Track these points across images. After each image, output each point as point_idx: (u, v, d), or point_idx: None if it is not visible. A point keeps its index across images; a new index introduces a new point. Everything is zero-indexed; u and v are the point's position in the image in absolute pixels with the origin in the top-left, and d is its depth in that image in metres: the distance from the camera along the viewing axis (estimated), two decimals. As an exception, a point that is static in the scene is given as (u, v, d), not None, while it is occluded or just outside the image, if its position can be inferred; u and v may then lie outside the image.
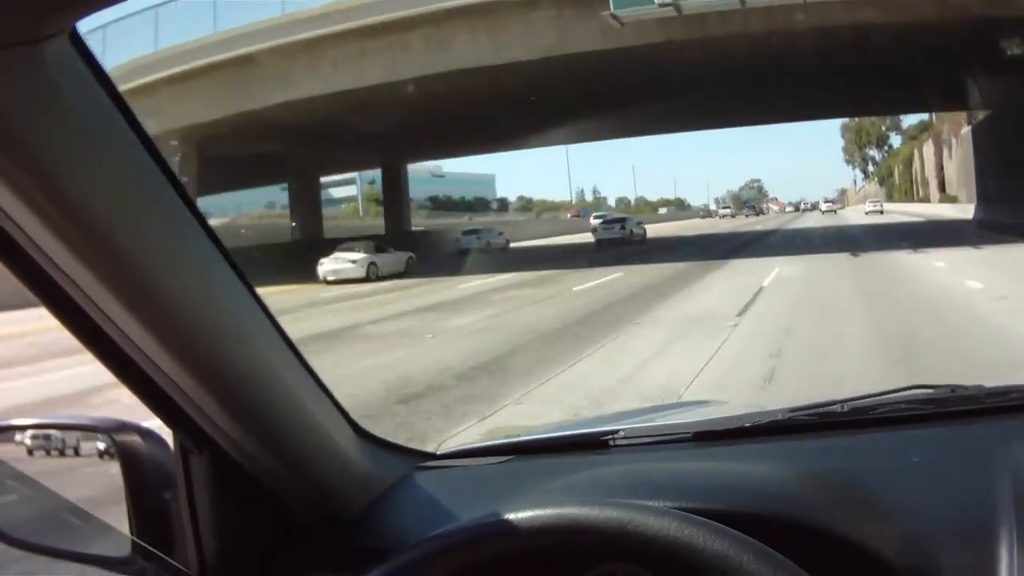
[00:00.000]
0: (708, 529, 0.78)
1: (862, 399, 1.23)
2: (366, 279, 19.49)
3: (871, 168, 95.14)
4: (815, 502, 0.97)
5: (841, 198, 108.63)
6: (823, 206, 75.42)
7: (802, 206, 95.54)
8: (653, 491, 0.94)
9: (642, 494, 0.92)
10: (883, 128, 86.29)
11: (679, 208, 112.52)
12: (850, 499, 0.99)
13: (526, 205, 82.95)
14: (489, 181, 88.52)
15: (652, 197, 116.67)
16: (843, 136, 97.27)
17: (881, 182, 73.39)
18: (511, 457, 1.20)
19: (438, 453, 1.24)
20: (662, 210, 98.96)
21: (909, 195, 58.06)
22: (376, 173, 41.99)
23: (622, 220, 35.24)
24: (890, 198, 64.00)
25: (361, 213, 58.99)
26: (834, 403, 1.22)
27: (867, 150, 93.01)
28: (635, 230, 33.54)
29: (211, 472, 0.96)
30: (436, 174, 74.39)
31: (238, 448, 0.93)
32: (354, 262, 20.03)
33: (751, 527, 0.82)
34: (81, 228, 0.67)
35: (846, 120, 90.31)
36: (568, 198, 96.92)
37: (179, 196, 0.75)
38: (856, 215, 52.53)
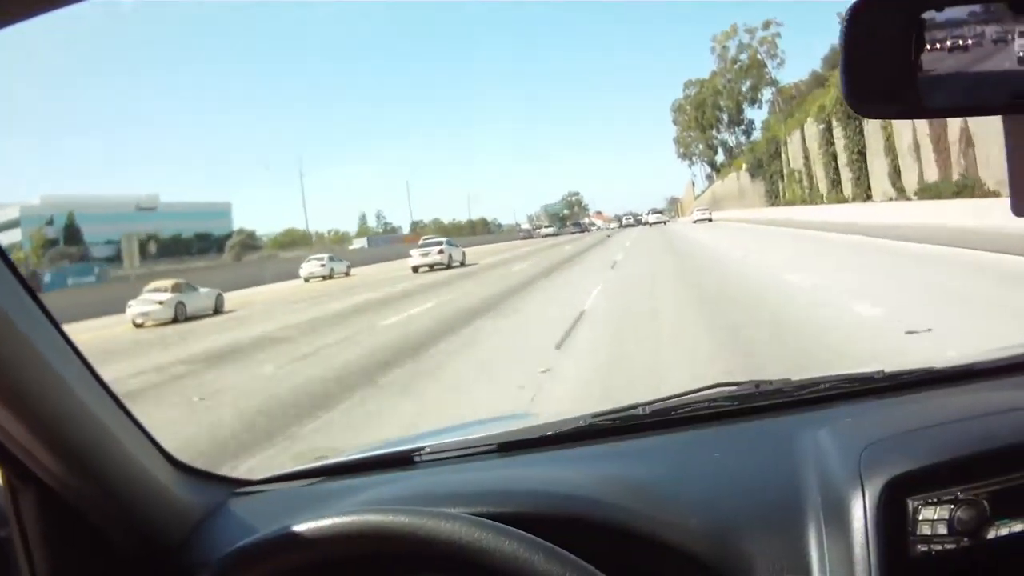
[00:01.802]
0: (497, 532, 0.81)
1: (664, 400, 1.27)
2: (175, 320, 19.98)
3: (720, 158, 72.31)
4: (616, 503, 1.00)
5: (672, 207, 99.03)
6: (650, 218, 71.12)
7: (624, 220, 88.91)
8: (455, 500, 0.96)
9: (444, 504, 0.94)
10: (739, 97, 64.11)
11: (484, 230, 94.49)
12: (651, 498, 1.02)
13: (247, 242, 59.21)
14: (221, 212, 66.99)
15: (449, 218, 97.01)
16: (675, 122, 74.37)
17: (753, 173, 53.95)
18: (322, 479, 1.23)
19: (253, 480, 1.25)
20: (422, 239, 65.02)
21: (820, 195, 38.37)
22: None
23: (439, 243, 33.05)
24: (776, 200, 47.70)
25: (31, 265, 42.28)
26: (636, 406, 1.26)
27: (712, 132, 70.18)
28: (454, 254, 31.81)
29: (39, 506, 0.97)
30: (145, 207, 59.39)
31: (59, 482, 0.95)
32: (161, 303, 20.41)
33: (551, 529, 0.85)
34: None
35: (678, 98, 72.55)
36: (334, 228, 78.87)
37: None
38: (686, 227, 47.17)
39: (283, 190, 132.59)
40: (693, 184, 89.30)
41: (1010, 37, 0.80)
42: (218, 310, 22.10)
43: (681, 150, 78.16)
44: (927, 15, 0.81)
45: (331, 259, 36.65)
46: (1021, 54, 0.79)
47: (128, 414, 1.06)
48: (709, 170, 78.81)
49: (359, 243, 66.30)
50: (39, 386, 0.90)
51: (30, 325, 0.89)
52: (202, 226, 62.06)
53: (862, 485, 0.96)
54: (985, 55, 0.80)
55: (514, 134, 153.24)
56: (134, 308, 20.41)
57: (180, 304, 20.73)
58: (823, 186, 37.64)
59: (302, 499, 1.17)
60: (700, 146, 75.02)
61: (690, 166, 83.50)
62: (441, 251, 31.31)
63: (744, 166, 57.73)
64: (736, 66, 62.87)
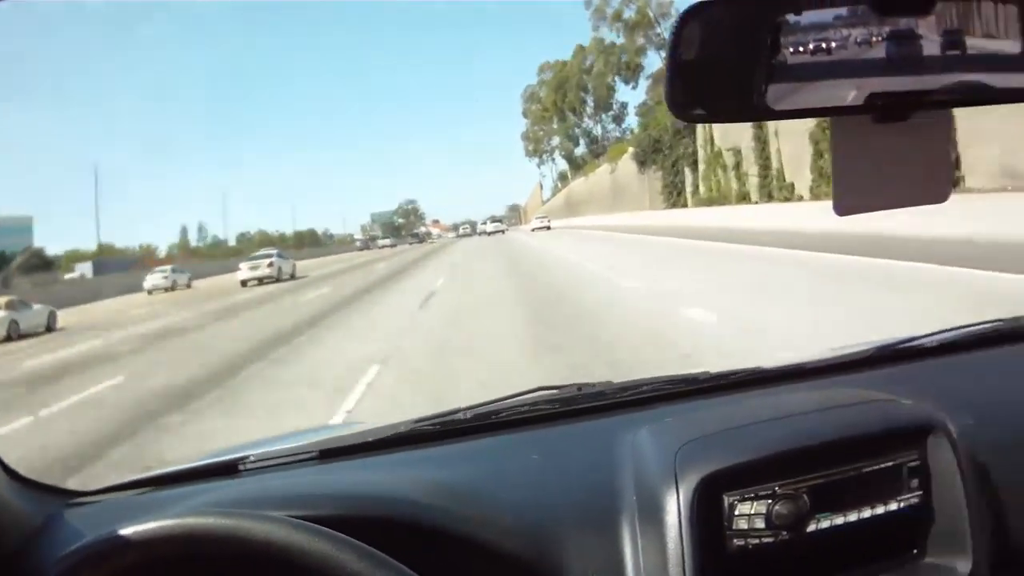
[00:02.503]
0: (311, 533, 0.82)
1: (486, 404, 1.30)
2: (7, 339, 19.25)
3: (582, 150, 62.15)
4: (433, 504, 1.03)
5: (514, 215, 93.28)
6: (487, 227, 67.24)
7: (462, 230, 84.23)
8: (275, 504, 0.97)
9: (265, 508, 0.94)
10: (616, 71, 54.78)
11: (314, 242, 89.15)
12: (468, 499, 1.05)
13: (32, 262, 48.48)
14: (20, 227, 56.36)
15: (276, 229, 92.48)
16: (525, 114, 65.13)
17: (644, 161, 41.05)
18: (153, 488, 1.24)
19: (87, 491, 1.24)
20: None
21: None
22: None
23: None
24: (679, 199, 37.57)
25: None
26: (457, 411, 1.29)
27: (575, 119, 60.29)
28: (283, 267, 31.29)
29: None
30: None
31: None
32: (-7, 321, 19.60)
33: (367, 531, 0.86)
34: None
35: (530, 85, 63.51)
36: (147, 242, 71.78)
37: None
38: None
39: (106, 201, 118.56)
40: (541, 187, 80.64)
41: (874, 39, 0.79)
42: (50, 327, 21.45)
43: (531, 147, 68.35)
44: (786, 18, 0.80)
45: (173, 271, 38.39)
46: (881, 55, 0.79)
47: None
48: (566, 166, 67.63)
49: (82, 268, 52.61)
50: None
51: None
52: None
53: (676, 483, 0.98)
54: (850, 58, 0.79)
55: (345, 139, 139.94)
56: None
57: (13, 323, 19.94)
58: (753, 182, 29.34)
59: (134, 508, 1.17)
60: (556, 140, 64.89)
61: (539, 165, 75.16)
62: (271, 264, 31.01)
63: (629, 153, 45.16)
64: (618, 24, 51.06)
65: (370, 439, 1.28)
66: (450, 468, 1.16)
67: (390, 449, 1.26)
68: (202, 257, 68.05)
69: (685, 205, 37.44)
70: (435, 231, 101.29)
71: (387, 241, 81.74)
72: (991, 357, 1.42)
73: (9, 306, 20.56)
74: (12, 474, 1.14)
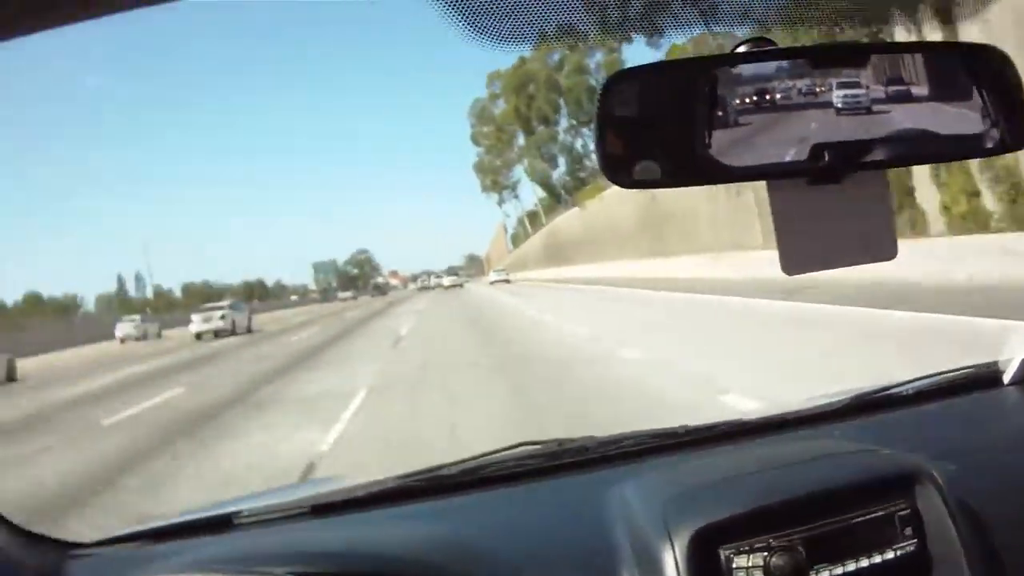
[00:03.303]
0: None
1: (472, 460, 1.31)
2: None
3: (561, 171, 46.46)
4: (423, 560, 1.04)
5: (472, 265, 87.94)
6: (444, 281, 61.75)
7: (422, 281, 79.50)
8: (269, 561, 1.00)
9: (259, 565, 0.97)
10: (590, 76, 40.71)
11: (263, 293, 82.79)
12: (458, 555, 1.06)
13: None
14: None
15: (218, 280, 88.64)
16: (475, 140, 49.36)
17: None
18: (150, 541, 1.27)
19: (85, 543, 1.27)
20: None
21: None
22: None
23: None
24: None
25: None
26: (444, 466, 1.31)
27: (549, 130, 43.96)
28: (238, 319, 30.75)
29: None
30: None
31: None
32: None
33: None
34: None
35: (480, 98, 47.85)
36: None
37: None
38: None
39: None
40: (505, 229, 65.66)
41: (805, 99, 0.78)
42: (10, 377, 20.79)
43: (487, 180, 51.52)
44: (721, 71, 0.78)
45: (143, 320, 41.30)
46: (813, 118, 0.77)
47: None
48: (540, 196, 49.90)
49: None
50: None
51: None
52: None
53: (670, 538, 0.98)
54: (782, 122, 0.78)
55: (291, 183, 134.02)
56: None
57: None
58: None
59: (132, 561, 1.19)
60: (520, 167, 48.35)
61: (500, 203, 55.26)
62: (223, 316, 30.45)
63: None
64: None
65: (360, 494, 1.30)
66: (441, 524, 1.17)
67: (379, 505, 1.28)
68: (141, 309, 64.05)
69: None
70: (394, 282, 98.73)
71: (348, 293, 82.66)
72: (966, 403, 1.44)
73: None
74: (13, 528, 1.16)
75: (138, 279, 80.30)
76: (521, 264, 56.72)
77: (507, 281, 49.22)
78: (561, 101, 43.80)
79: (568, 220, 45.24)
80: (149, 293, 77.98)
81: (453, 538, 1.11)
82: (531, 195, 55.13)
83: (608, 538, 1.06)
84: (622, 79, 0.80)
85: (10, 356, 21.65)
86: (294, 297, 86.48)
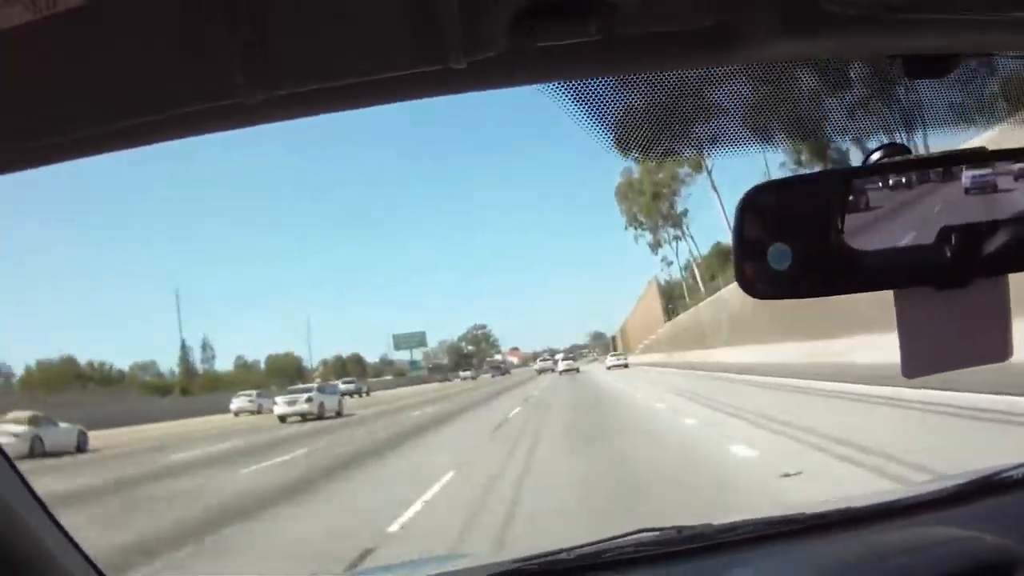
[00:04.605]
0: None
1: (590, 545, 1.31)
2: (30, 455, 18.87)
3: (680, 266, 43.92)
4: None
5: (599, 345, 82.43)
6: (559, 366, 58.81)
7: (540, 362, 73.95)
8: None
9: None
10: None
11: (359, 371, 77.37)
12: None
13: None
14: None
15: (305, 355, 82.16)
16: (619, 199, 46.16)
17: None
18: None
19: None
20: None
21: None
22: None
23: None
24: None
25: None
26: (561, 551, 1.29)
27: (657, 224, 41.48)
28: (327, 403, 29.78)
29: None
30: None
31: None
32: (16, 436, 19.18)
33: None
34: None
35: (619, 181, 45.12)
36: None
37: None
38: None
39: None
40: (659, 283, 53.91)
41: (937, 206, 0.80)
42: (80, 448, 21.13)
43: (637, 225, 44.60)
44: (855, 182, 0.80)
45: (259, 396, 41.45)
46: (937, 227, 0.79)
47: (59, 527, 1.09)
48: (696, 253, 44.77)
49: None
50: None
51: None
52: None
53: None
54: (908, 232, 0.81)
55: (400, 253, 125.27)
56: (-3, 441, 19.13)
57: (37, 438, 19.77)
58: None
59: None
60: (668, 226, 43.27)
61: (655, 252, 47.51)
62: (309, 399, 29.32)
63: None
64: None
65: None
66: None
67: None
68: (207, 386, 57.52)
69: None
70: (513, 359, 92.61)
71: (468, 373, 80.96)
72: None
73: (32, 422, 20.24)
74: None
75: (204, 347, 67.65)
76: (675, 343, 46.22)
77: (625, 366, 47.69)
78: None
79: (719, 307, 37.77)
80: (221, 365, 68.70)
81: None
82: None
83: None
84: (759, 193, 0.83)
85: (81, 428, 22.19)
86: (388, 377, 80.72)
